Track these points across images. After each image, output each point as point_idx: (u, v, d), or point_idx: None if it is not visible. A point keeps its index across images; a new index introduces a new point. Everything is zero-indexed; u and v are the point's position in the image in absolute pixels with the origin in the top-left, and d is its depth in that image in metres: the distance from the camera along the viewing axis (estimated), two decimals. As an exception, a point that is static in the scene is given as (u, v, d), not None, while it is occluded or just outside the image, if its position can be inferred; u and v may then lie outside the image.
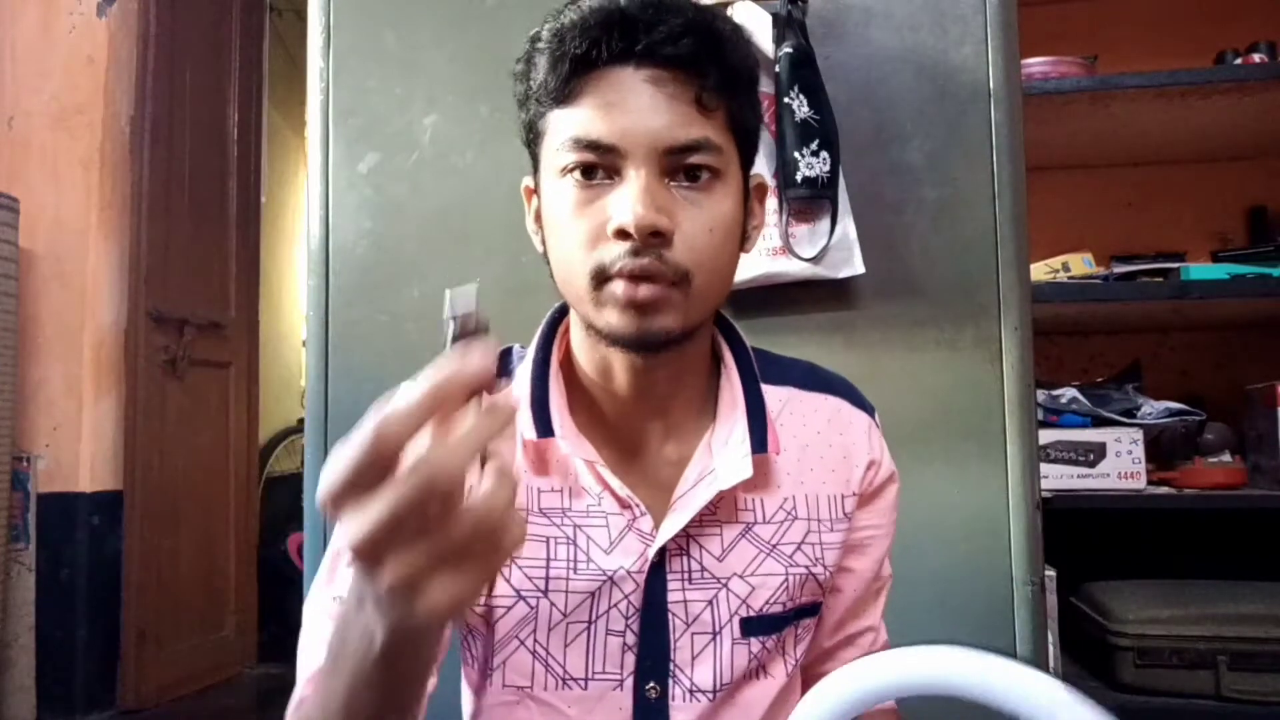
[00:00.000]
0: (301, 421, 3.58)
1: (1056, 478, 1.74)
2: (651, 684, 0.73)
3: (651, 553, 0.72)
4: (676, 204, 0.66)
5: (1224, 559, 1.87)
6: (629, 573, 0.72)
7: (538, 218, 0.73)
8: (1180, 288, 1.75)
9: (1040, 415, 1.62)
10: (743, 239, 0.73)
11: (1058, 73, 1.84)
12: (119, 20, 2.82)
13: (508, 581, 0.73)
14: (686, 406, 0.75)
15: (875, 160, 1.15)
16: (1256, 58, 1.88)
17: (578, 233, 0.67)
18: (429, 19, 1.24)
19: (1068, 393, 1.83)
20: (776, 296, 1.14)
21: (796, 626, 0.77)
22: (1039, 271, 1.80)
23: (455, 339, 0.47)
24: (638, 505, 0.72)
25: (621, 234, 0.64)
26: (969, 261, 1.12)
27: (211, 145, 3.16)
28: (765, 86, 1.13)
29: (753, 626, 0.74)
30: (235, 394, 3.24)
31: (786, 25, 1.10)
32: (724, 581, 0.74)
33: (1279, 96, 1.81)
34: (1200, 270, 1.79)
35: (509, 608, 0.73)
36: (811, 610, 0.78)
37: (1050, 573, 1.59)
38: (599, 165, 0.66)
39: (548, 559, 0.72)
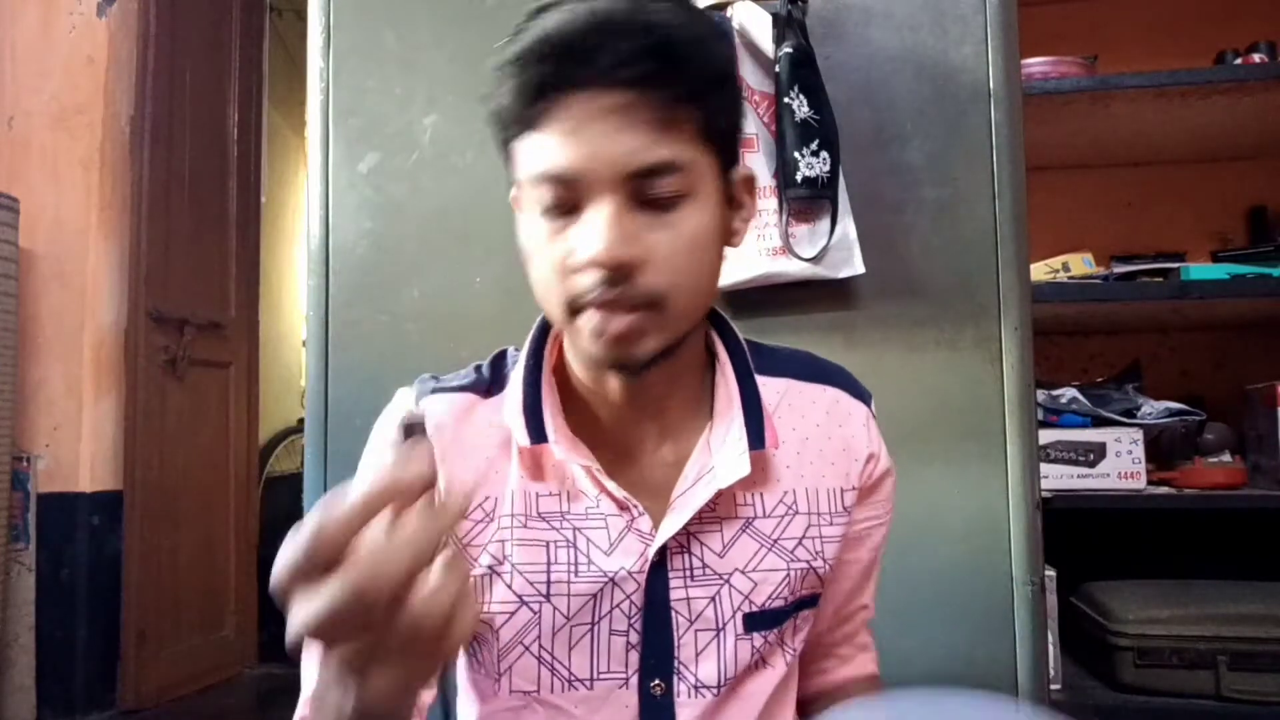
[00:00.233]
0: (301, 421, 3.58)
1: (1056, 478, 1.74)
2: (656, 681, 0.73)
3: (651, 552, 0.72)
4: (646, 229, 0.64)
5: (1224, 559, 1.87)
6: (630, 573, 0.72)
7: None
8: (1180, 288, 1.75)
9: (1040, 415, 1.62)
10: (729, 237, 0.72)
11: (1058, 73, 1.84)
12: (119, 20, 2.82)
13: (509, 588, 0.73)
14: (682, 406, 0.75)
15: (875, 160, 1.15)
16: (1256, 58, 1.88)
17: (549, 263, 0.66)
18: (429, 19, 1.24)
19: (1068, 393, 1.83)
20: (776, 296, 1.14)
21: (796, 618, 0.78)
22: (1039, 271, 1.80)
23: (402, 440, 0.53)
24: (635, 506, 0.72)
25: (591, 266, 0.64)
26: (969, 261, 1.12)
27: (211, 145, 3.16)
28: (765, 86, 1.13)
29: (755, 621, 0.74)
30: (235, 394, 3.24)
31: (786, 25, 1.10)
32: (726, 578, 0.74)
33: (1279, 96, 1.81)
34: (1200, 270, 1.79)
35: (512, 614, 0.73)
36: (811, 601, 0.79)
37: (1050, 573, 1.59)
38: (565, 195, 0.65)
39: (548, 563, 0.72)
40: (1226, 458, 1.84)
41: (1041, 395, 1.76)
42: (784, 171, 1.09)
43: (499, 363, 0.78)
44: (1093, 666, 1.69)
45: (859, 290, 1.14)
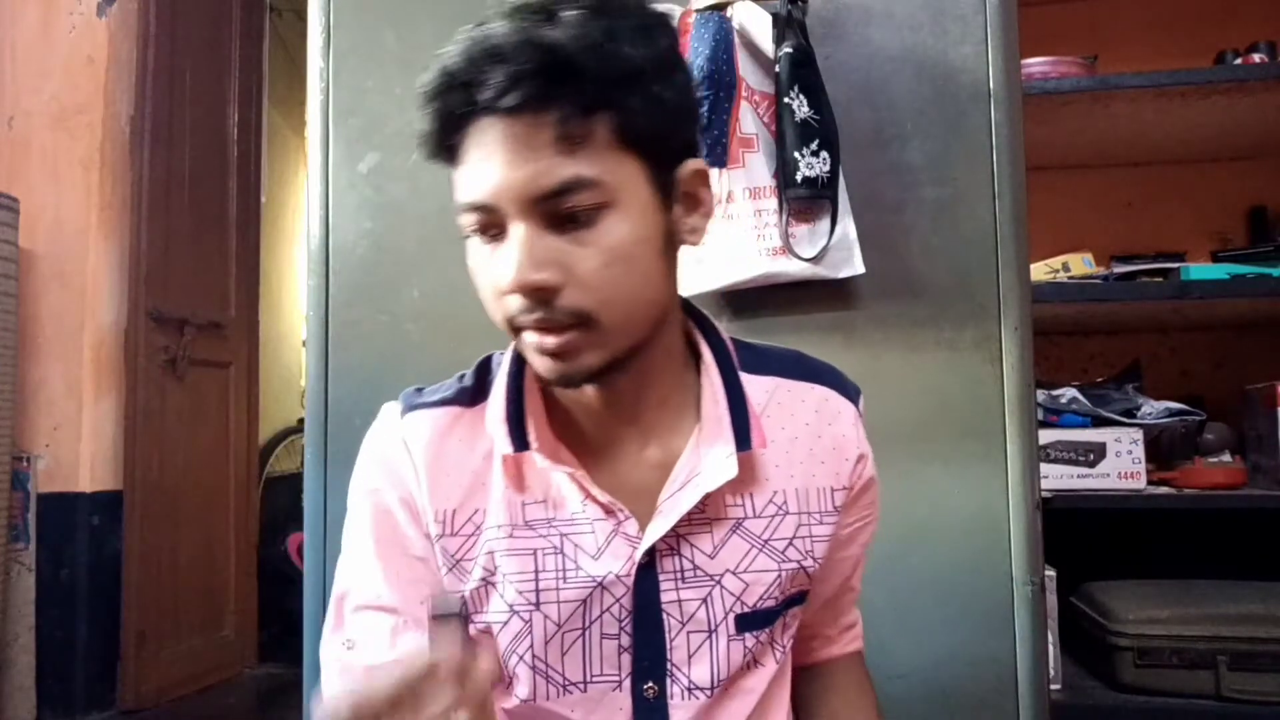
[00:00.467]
0: (301, 421, 3.58)
1: (1056, 478, 1.74)
2: (649, 684, 0.73)
3: (638, 556, 0.72)
4: (563, 250, 0.64)
5: (1224, 559, 1.87)
6: (618, 577, 0.72)
7: None
8: (1180, 288, 1.75)
9: (1040, 415, 1.62)
10: (682, 236, 0.70)
11: (1058, 73, 1.84)
12: (119, 20, 2.82)
13: (501, 597, 0.73)
14: (660, 408, 0.75)
15: (875, 160, 1.15)
16: (1256, 58, 1.88)
17: (487, 286, 0.68)
18: (429, 19, 1.24)
19: (1068, 393, 1.83)
20: (776, 296, 1.14)
21: (786, 616, 0.78)
22: (1039, 271, 1.80)
23: (436, 636, 0.56)
24: (621, 510, 0.72)
25: (511, 292, 0.64)
26: (969, 261, 1.12)
27: (211, 145, 3.16)
28: (765, 86, 1.13)
29: (747, 622, 0.75)
30: (235, 394, 3.24)
31: (786, 25, 1.10)
32: (717, 579, 0.74)
33: (1279, 97, 1.81)
34: (1200, 270, 1.79)
35: (504, 623, 0.73)
36: (800, 599, 0.79)
37: (1050, 573, 1.59)
38: (488, 222, 0.65)
39: (536, 571, 0.72)
40: (1226, 458, 1.84)
41: (1041, 395, 1.76)
42: (784, 171, 1.09)
43: (483, 370, 0.78)
44: (1093, 666, 1.69)
45: (859, 290, 1.14)
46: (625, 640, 0.73)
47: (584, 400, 0.73)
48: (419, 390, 0.78)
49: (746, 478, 0.74)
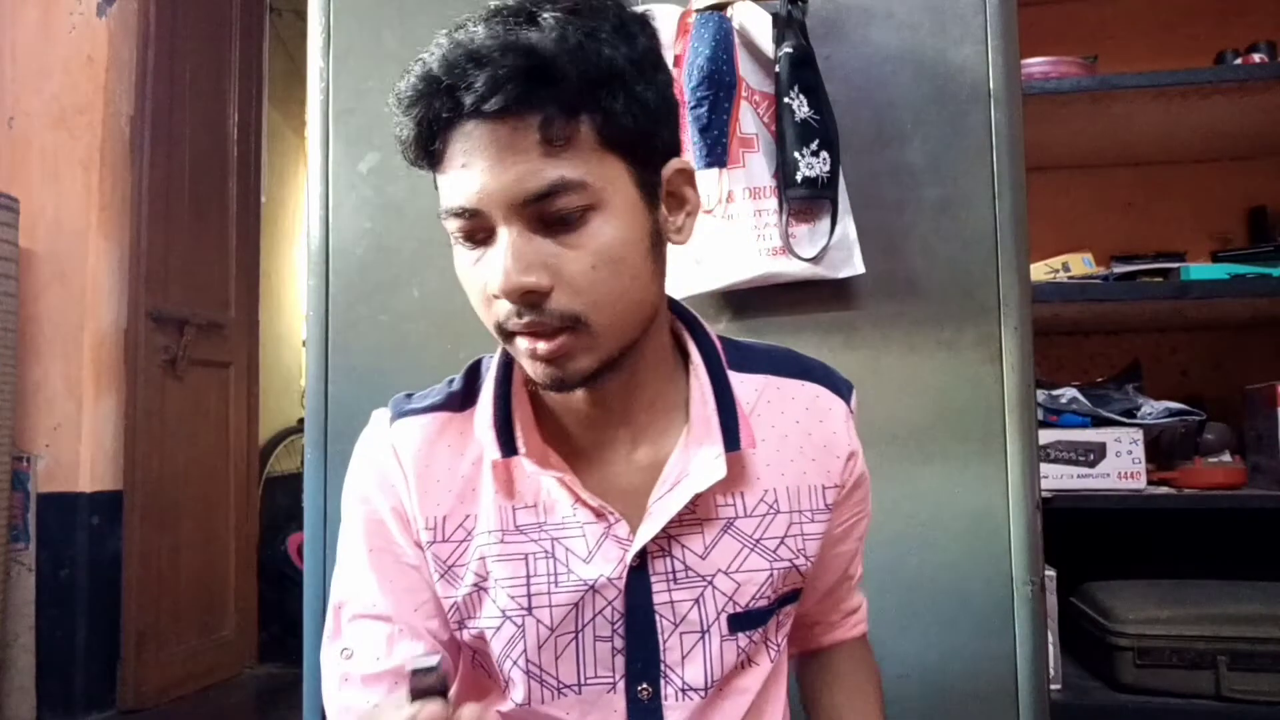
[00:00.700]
0: (301, 421, 3.58)
1: (1056, 478, 1.74)
2: (643, 685, 0.73)
3: (629, 558, 0.72)
4: (551, 252, 0.64)
5: (1224, 559, 1.87)
6: (609, 580, 0.72)
7: None
8: (1180, 288, 1.75)
9: (1040, 415, 1.62)
10: (668, 235, 0.70)
11: (1058, 73, 1.84)
12: (119, 20, 2.82)
13: (494, 603, 0.73)
14: (650, 409, 0.75)
15: (875, 160, 1.15)
16: (1256, 58, 1.88)
17: (474, 292, 0.68)
18: (429, 19, 1.24)
19: (1068, 393, 1.83)
20: (776, 296, 1.14)
21: (779, 614, 0.78)
22: (1039, 271, 1.80)
23: (415, 693, 0.57)
24: (612, 513, 0.72)
25: (500, 296, 0.64)
26: (969, 261, 1.13)
27: (211, 145, 3.16)
28: (765, 86, 1.13)
29: (739, 622, 0.75)
30: (235, 394, 3.24)
31: (786, 25, 1.10)
32: (709, 579, 0.74)
33: (1279, 97, 1.81)
34: (1200, 270, 1.79)
35: (497, 628, 0.73)
36: (793, 597, 0.79)
37: (1050, 573, 1.59)
38: (474, 227, 0.65)
39: (528, 575, 0.72)
40: (1226, 458, 1.84)
41: (1041, 395, 1.76)
42: (784, 171, 1.09)
43: (473, 374, 0.78)
44: (1093, 666, 1.69)
45: (859, 290, 1.14)
46: (619, 643, 0.73)
47: (573, 403, 0.73)
48: (408, 396, 0.78)
49: (736, 477, 0.74)
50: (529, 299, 0.63)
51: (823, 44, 1.13)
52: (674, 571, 0.73)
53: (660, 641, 0.73)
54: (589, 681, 0.73)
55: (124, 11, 2.83)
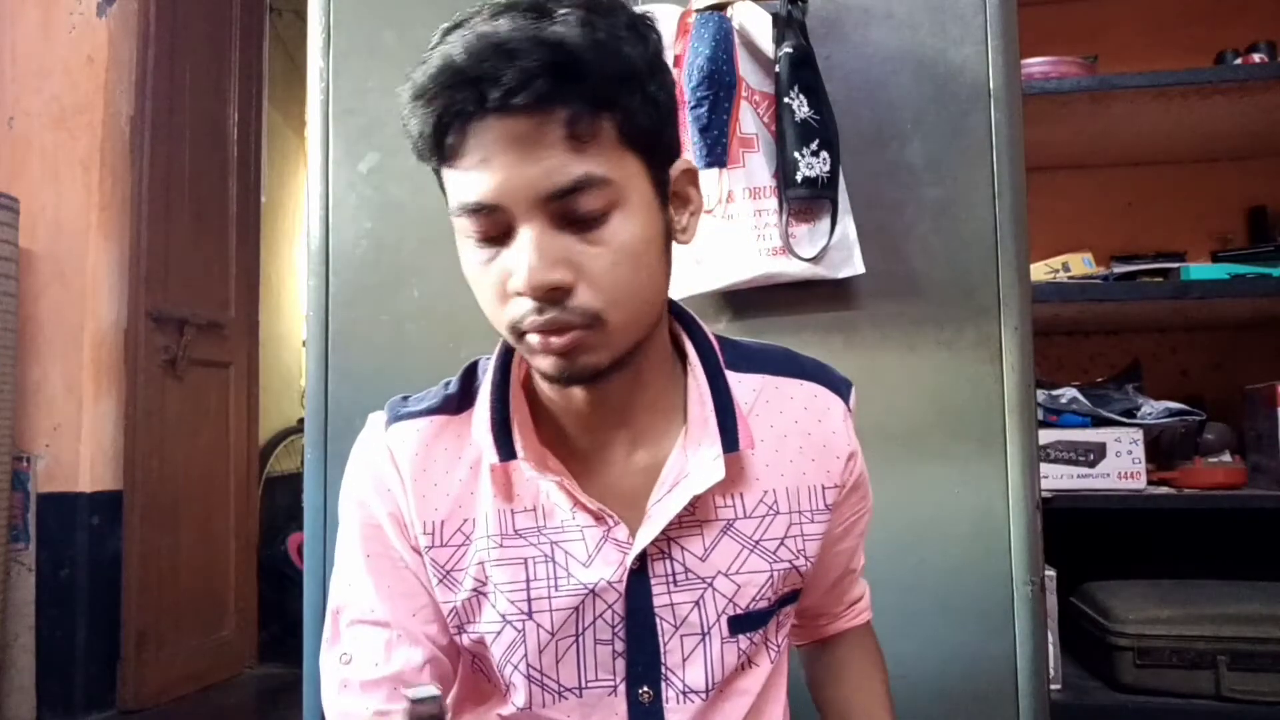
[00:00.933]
0: (301, 421, 3.58)
1: (1056, 478, 1.74)
2: (644, 688, 0.73)
3: (629, 561, 0.71)
4: (575, 247, 0.63)
5: (1224, 559, 1.87)
6: (610, 583, 0.72)
7: None
8: (1180, 288, 1.75)
9: (1040, 415, 1.62)
10: (675, 235, 0.71)
11: (1058, 73, 1.84)
12: (119, 20, 2.82)
13: (493, 608, 0.73)
14: (650, 410, 0.74)
15: (875, 160, 1.15)
16: (1256, 58, 1.88)
17: (487, 290, 0.66)
18: (429, 19, 1.23)
19: (1068, 393, 1.83)
20: (776, 296, 1.14)
21: (779, 615, 0.78)
22: (1039, 271, 1.80)
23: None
24: (611, 516, 0.71)
25: (523, 293, 0.63)
26: (969, 261, 1.12)
27: (211, 145, 3.16)
28: (765, 86, 1.13)
29: (740, 624, 0.74)
30: (235, 394, 3.24)
31: (786, 25, 1.10)
32: (709, 581, 0.73)
33: (1279, 96, 1.81)
34: (1200, 270, 1.79)
35: (497, 633, 0.73)
36: (793, 598, 0.79)
37: (1050, 573, 1.59)
38: (491, 224, 0.64)
39: (528, 580, 0.72)
40: (1226, 458, 1.84)
41: (1041, 395, 1.76)
42: (784, 171, 1.09)
43: (469, 376, 0.78)
44: (1093, 666, 1.69)
45: (859, 290, 1.14)
46: (619, 645, 0.73)
47: (573, 405, 0.73)
48: (404, 399, 0.78)
49: (735, 478, 0.73)
50: (553, 295, 0.63)
51: (823, 44, 1.13)
52: (674, 574, 0.73)
53: (661, 644, 0.73)
54: (590, 685, 0.73)
55: (124, 11, 2.83)
